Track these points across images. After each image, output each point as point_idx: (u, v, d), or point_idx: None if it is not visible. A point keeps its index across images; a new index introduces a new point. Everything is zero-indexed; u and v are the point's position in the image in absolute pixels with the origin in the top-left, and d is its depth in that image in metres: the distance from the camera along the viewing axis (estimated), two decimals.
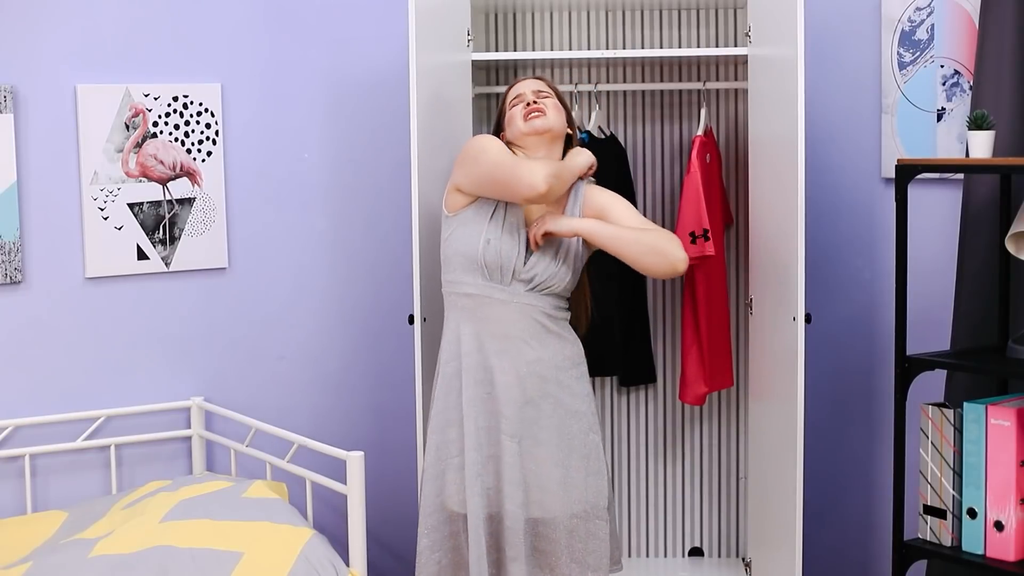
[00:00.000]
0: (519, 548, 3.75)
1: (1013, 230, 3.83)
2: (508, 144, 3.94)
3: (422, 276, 4.18)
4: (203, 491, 4.01)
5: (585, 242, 3.87)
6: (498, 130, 4.02)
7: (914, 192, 4.20)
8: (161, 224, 4.48)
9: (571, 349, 3.91)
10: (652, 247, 3.75)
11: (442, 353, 3.92)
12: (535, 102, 3.90)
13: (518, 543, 3.75)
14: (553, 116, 3.89)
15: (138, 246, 4.45)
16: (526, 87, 3.96)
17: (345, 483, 3.79)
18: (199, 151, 4.54)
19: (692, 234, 4.58)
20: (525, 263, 3.82)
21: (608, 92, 4.91)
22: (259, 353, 4.71)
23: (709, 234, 4.58)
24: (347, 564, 3.82)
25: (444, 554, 3.86)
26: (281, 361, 4.76)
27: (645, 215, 4.69)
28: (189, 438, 4.58)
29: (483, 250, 3.80)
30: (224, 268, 4.63)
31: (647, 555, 5.05)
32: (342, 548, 4.44)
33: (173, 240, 4.50)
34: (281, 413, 4.73)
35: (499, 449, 3.79)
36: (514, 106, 3.94)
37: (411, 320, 4.22)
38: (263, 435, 4.45)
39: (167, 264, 4.51)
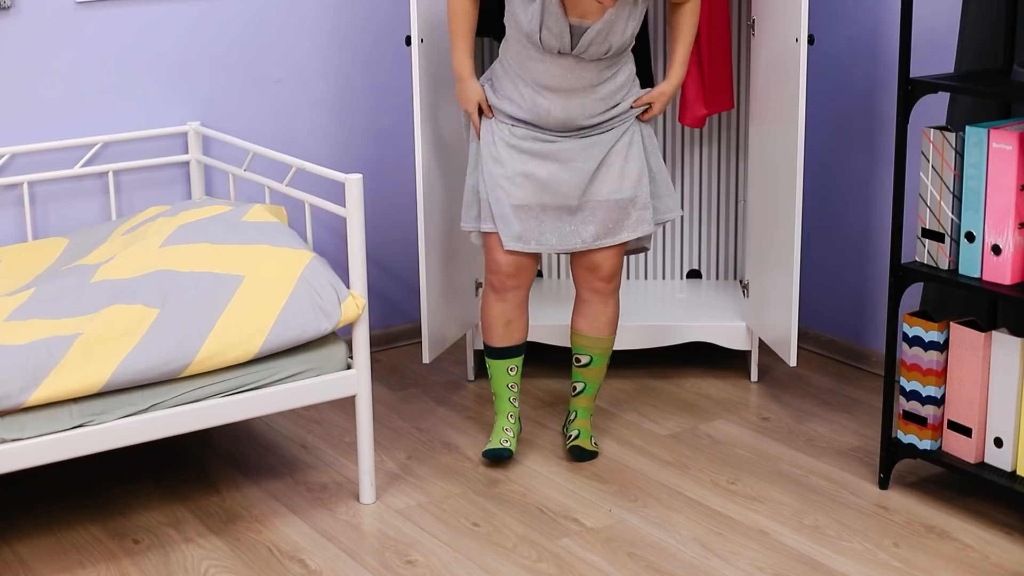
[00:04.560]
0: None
1: None
2: None
3: None
4: (202, 215, 4.02)
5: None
6: None
7: None
8: None
9: (623, 78, 3.96)
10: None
11: (494, 76, 4.00)
12: None
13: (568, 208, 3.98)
14: None
15: None
16: None
17: (344, 206, 3.79)
18: None
19: None
20: (572, 48, 3.80)
21: None
22: (255, 76, 4.66)
23: None
24: (347, 286, 3.85)
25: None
26: (278, 84, 4.71)
27: None
28: (187, 163, 4.56)
29: (528, 36, 3.81)
30: None
31: (645, 277, 5.10)
32: (342, 270, 4.48)
33: None
34: (279, 137, 4.71)
35: (533, 144, 3.93)
36: None
37: (408, 41, 4.16)
38: (261, 159, 4.44)
39: None
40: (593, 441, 4.20)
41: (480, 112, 3.99)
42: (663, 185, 4.07)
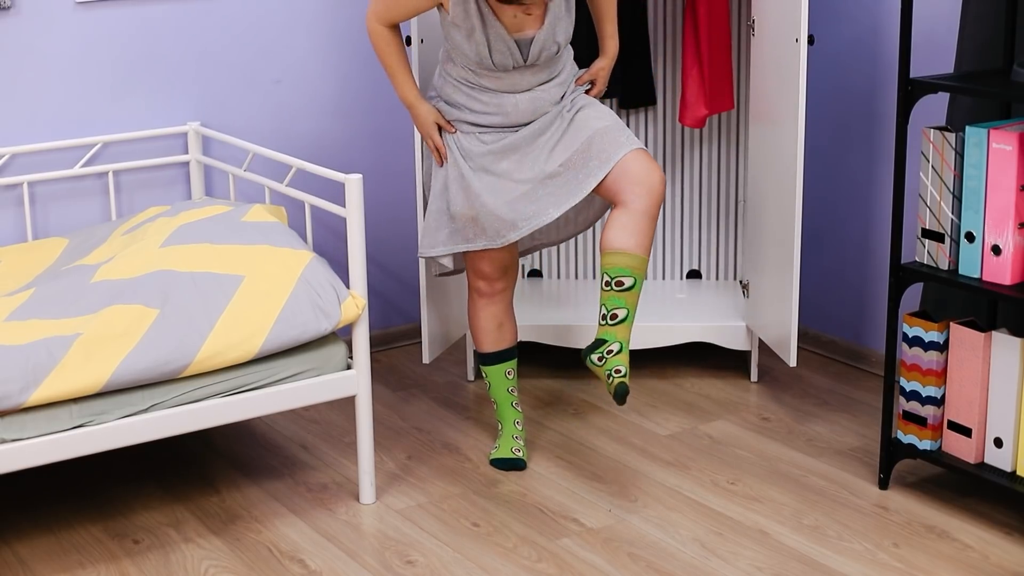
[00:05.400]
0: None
1: None
2: None
3: None
4: (202, 215, 4.02)
5: None
6: None
7: None
8: None
9: (570, 68, 3.95)
10: None
11: (445, 94, 3.94)
12: None
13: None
14: None
15: None
16: None
17: (344, 206, 3.79)
18: None
19: None
20: (525, 60, 3.80)
21: None
22: (255, 76, 4.66)
23: None
24: (347, 286, 3.85)
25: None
26: (278, 85, 4.71)
27: None
28: (187, 163, 4.56)
29: (476, 61, 3.79)
30: None
31: (645, 278, 5.09)
32: (341, 271, 4.48)
33: None
34: (279, 137, 4.71)
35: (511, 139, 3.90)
36: None
37: (408, 41, 4.16)
38: (261, 160, 4.44)
39: None
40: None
41: (441, 131, 3.95)
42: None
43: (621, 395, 3.73)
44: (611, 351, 3.78)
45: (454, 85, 3.90)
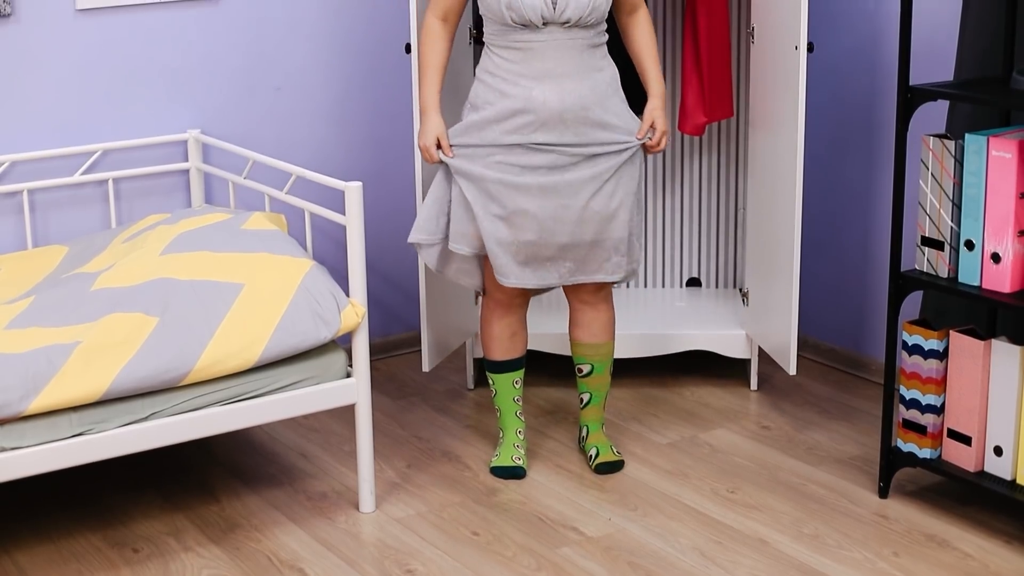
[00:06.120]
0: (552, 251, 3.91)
1: None
2: None
3: (418, 4, 4.10)
4: (202, 223, 4.02)
5: None
6: None
7: None
8: None
9: (611, 75, 3.90)
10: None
11: (486, 91, 3.87)
12: None
13: (550, 252, 3.90)
14: None
15: None
16: None
17: (344, 214, 3.79)
18: None
19: None
20: (555, 8, 3.75)
21: None
22: (255, 84, 4.67)
23: None
24: (347, 294, 3.85)
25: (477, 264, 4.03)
26: (278, 92, 4.71)
27: None
28: (187, 171, 4.56)
29: (506, 11, 3.74)
30: None
31: (645, 285, 5.10)
32: (341, 279, 4.47)
33: None
34: (279, 145, 4.72)
35: (533, 176, 3.83)
36: None
37: (408, 49, 4.16)
38: (261, 167, 4.44)
39: None
40: (615, 450, 4.20)
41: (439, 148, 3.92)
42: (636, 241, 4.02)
43: (603, 472, 4.14)
44: (583, 435, 4.26)
45: (487, 80, 3.85)
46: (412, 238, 3.99)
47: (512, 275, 3.90)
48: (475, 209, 3.85)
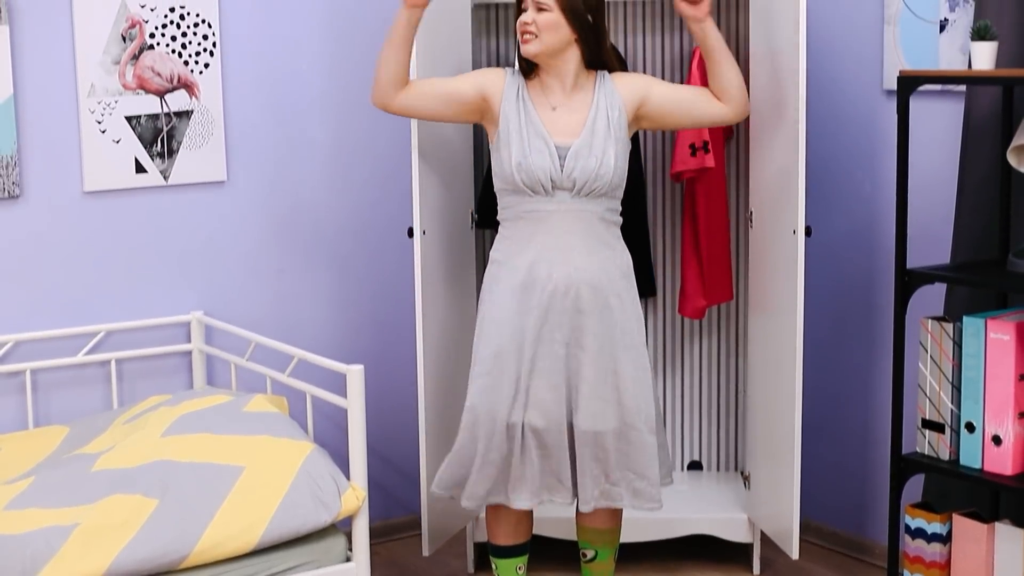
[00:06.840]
0: (569, 455, 3.88)
1: (1015, 143, 3.81)
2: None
3: (421, 188, 4.16)
4: (204, 405, 4.02)
5: (629, 124, 3.88)
6: None
7: (916, 104, 4.18)
8: (159, 137, 4.46)
9: (622, 259, 3.93)
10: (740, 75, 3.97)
11: (497, 269, 3.92)
12: (526, 23, 3.85)
13: (566, 452, 3.87)
14: (544, 38, 3.83)
15: (136, 159, 4.43)
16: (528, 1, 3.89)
17: (345, 397, 3.79)
18: (196, 63, 4.50)
19: (692, 146, 4.56)
20: (562, 170, 3.80)
21: (608, 3, 4.86)
22: (258, 267, 4.71)
23: (709, 146, 4.56)
24: (348, 478, 3.83)
25: (493, 465, 3.91)
26: (281, 274, 4.75)
27: None
28: (189, 352, 4.58)
29: (516, 173, 3.81)
30: (223, 181, 4.61)
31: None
32: (342, 462, 4.45)
33: (171, 153, 4.48)
34: (281, 327, 4.74)
35: (552, 360, 3.84)
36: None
37: (410, 233, 4.20)
38: (263, 349, 4.46)
39: (165, 177, 4.49)
40: None
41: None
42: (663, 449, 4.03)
43: None
44: None
45: (498, 245, 3.92)
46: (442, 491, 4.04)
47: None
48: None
